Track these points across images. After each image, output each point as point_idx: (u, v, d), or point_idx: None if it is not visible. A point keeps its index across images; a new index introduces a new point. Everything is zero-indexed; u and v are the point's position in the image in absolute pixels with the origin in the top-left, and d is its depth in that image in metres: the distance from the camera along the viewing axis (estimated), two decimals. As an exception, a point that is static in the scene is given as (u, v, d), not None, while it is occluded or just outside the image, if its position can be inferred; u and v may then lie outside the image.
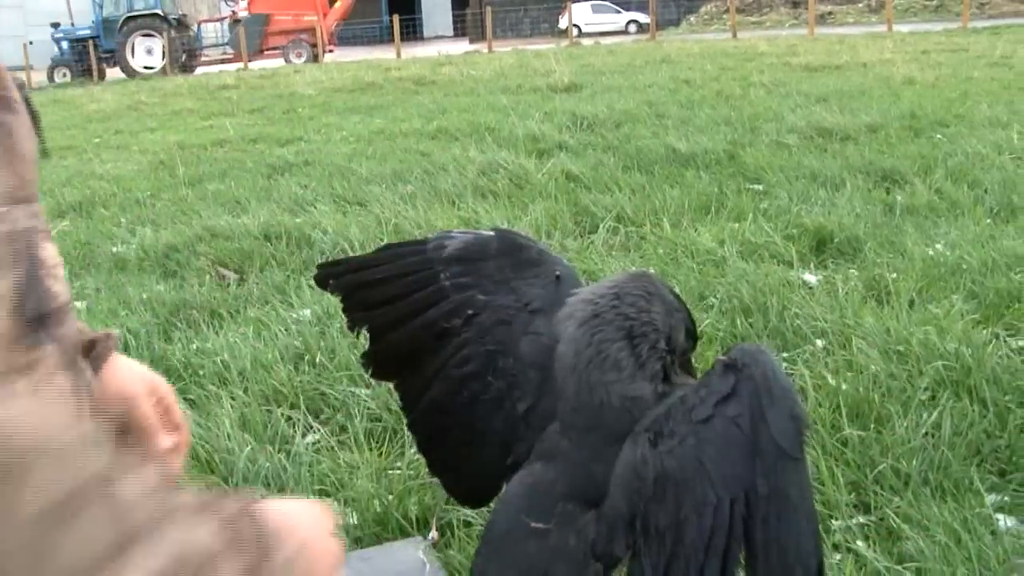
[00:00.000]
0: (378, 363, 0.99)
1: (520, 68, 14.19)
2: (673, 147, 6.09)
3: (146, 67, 24.75)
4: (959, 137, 6.23)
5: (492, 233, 0.97)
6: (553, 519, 0.79)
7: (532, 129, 7.12)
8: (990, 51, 12.62)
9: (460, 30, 36.71)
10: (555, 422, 0.84)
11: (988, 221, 4.26)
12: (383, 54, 22.73)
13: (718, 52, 15.45)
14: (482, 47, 25.01)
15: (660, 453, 0.73)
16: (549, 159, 5.98)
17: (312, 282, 3.65)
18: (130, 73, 24.54)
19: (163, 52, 24.62)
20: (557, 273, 0.92)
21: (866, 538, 1.99)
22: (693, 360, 0.88)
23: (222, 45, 28.53)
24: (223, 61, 26.66)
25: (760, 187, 5.11)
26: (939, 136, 6.36)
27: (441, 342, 0.93)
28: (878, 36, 17.55)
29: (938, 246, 3.84)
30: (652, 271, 0.83)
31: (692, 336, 0.87)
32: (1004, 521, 2.06)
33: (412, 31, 33.55)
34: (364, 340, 1.08)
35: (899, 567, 1.82)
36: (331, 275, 1.09)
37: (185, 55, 26.17)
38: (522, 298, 0.90)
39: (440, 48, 23.45)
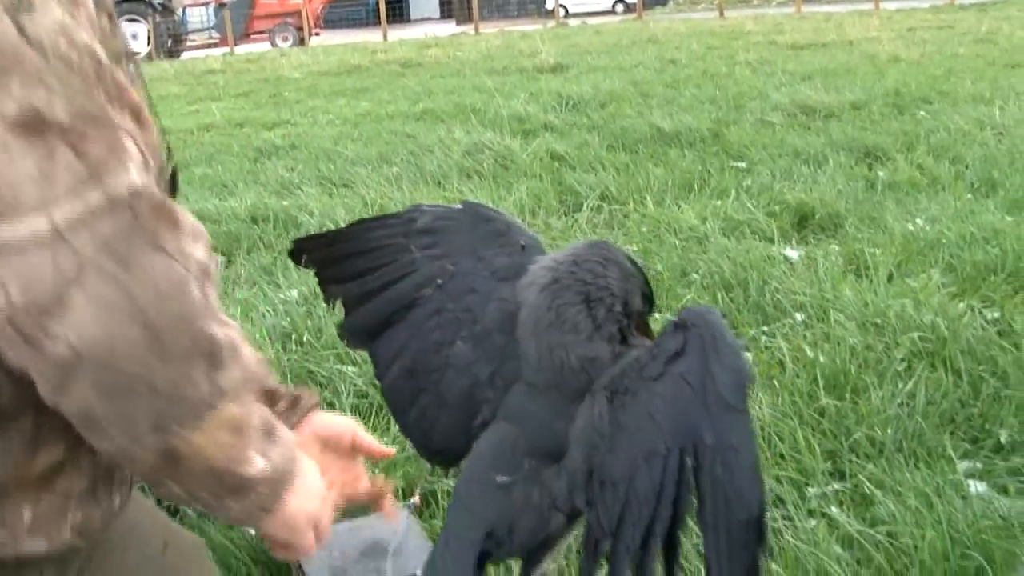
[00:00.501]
0: (352, 333, 1.02)
1: (506, 49, 14.18)
2: (657, 126, 6.13)
3: (132, 52, 24.66)
4: (942, 114, 6.28)
5: (460, 206, 1.01)
6: (518, 474, 0.83)
7: (517, 110, 7.14)
8: (976, 28, 12.66)
9: (447, 12, 36.55)
10: (519, 383, 0.88)
11: (969, 196, 4.31)
12: (370, 36, 22.66)
13: (705, 31, 15.45)
14: (469, 28, 24.94)
15: (615, 408, 0.77)
16: (534, 139, 6.01)
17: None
18: (115, 58, 24.42)
19: (148, 37, 24.49)
20: (522, 243, 0.96)
21: (840, 504, 2.04)
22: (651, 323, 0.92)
23: (208, 29, 28.38)
24: (209, 46, 26.54)
25: (743, 165, 5.15)
26: (922, 113, 6.41)
27: (412, 311, 0.97)
28: (865, 14, 17.56)
29: (918, 221, 3.89)
30: (610, 240, 0.86)
31: (649, 300, 0.92)
32: (975, 486, 2.11)
33: (399, 13, 33.39)
34: (340, 312, 1.12)
35: (871, 530, 1.87)
36: (305, 249, 1.13)
37: (171, 40, 26.02)
38: (489, 267, 0.94)
39: (427, 30, 23.38)
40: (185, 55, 24.41)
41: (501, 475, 0.84)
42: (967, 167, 4.86)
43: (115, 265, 0.76)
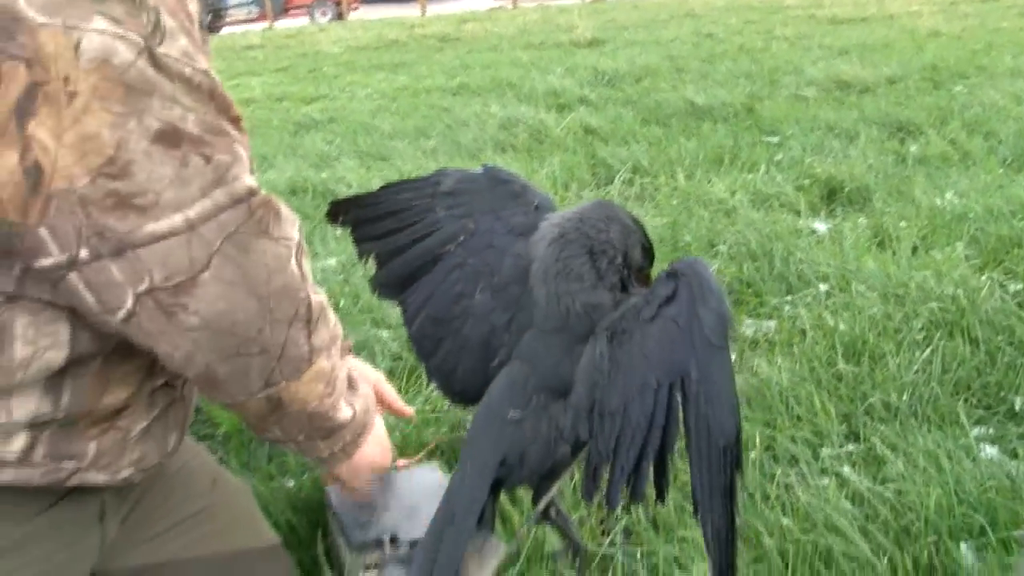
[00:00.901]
0: (383, 286, 1.13)
1: (544, 24, 14.19)
2: (691, 100, 6.17)
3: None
4: (978, 88, 6.25)
5: (481, 171, 1.11)
6: (528, 408, 0.93)
7: (553, 84, 7.20)
8: (1022, 0, 12.48)
9: (485, -14, 36.49)
10: (531, 329, 0.98)
11: (1000, 171, 4.33)
12: (407, 11, 22.69)
13: (743, 6, 15.34)
14: (506, 3, 24.87)
15: (614, 348, 0.87)
16: (568, 113, 6.08)
17: (337, 232, 3.80)
18: (156, 34, 24.62)
19: (189, 12, 24.65)
20: (535, 203, 1.06)
21: (852, 464, 2.11)
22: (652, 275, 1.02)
23: (247, 5, 28.53)
24: (248, 21, 26.70)
25: (775, 139, 5.18)
26: (959, 88, 6.38)
27: (436, 265, 1.07)
28: (907, -13, 17.34)
29: (947, 195, 3.92)
30: (640, 211, 0.92)
31: (648, 254, 1.01)
32: (986, 450, 2.18)
33: (437, -12, 33.40)
34: (372, 267, 1.22)
35: (880, 487, 1.95)
36: (341, 211, 1.23)
37: (210, 15, 26.18)
38: (506, 225, 1.04)
39: (464, 4, 23.39)
40: (224, 30, 24.59)
41: (514, 410, 0.94)
42: (1000, 142, 4.86)
43: (235, 250, 0.93)
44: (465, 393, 1.04)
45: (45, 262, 0.89)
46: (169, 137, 0.89)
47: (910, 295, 2.84)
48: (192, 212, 0.91)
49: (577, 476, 1.10)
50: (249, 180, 0.95)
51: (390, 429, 2.30)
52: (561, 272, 0.94)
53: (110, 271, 0.89)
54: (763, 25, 11.58)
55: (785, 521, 1.85)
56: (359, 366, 1.28)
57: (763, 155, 4.74)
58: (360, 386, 1.12)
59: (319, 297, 1.03)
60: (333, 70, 10.38)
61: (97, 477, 1.06)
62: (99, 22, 0.85)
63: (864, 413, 2.31)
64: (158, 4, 0.91)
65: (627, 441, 0.83)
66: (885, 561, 1.73)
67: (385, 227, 1.13)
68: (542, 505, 0.98)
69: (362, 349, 2.83)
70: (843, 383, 2.42)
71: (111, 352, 1.03)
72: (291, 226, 1.00)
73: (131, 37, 0.87)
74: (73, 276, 0.89)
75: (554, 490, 0.97)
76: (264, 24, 24.26)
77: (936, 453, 2.06)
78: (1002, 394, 2.41)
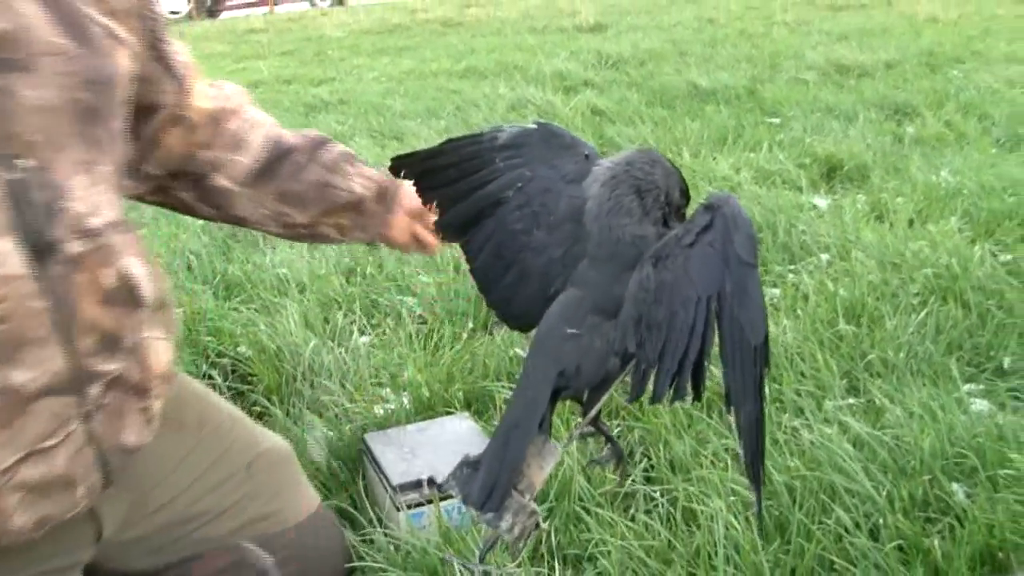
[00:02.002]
0: (447, 228, 1.28)
1: (546, 8, 14.29)
2: (695, 83, 6.32)
3: (172, 12, 24.86)
4: (974, 73, 6.41)
5: (535, 126, 1.26)
6: (583, 327, 1.09)
7: (559, 67, 7.34)
8: (1019, -13, 12.61)
9: (484, -29, 36.49)
10: (584, 260, 1.14)
11: (994, 151, 4.50)
12: (408, -4, 22.75)
13: (744, -9, 15.46)
14: (507, -12, 24.93)
15: (659, 271, 1.03)
16: (575, 95, 6.23)
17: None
18: (157, 18, 24.62)
19: (189, -4, 24.74)
20: (586, 153, 1.21)
21: (853, 415, 2.27)
22: (687, 214, 1.18)
23: (247, -12, 28.54)
24: (249, 5, 26.72)
25: (777, 120, 5.34)
26: (955, 72, 6.54)
27: (497, 208, 1.23)
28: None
29: (943, 173, 4.08)
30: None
31: (685, 194, 1.17)
32: (977, 403, 2.35)
33: (436, -27, 33.40)
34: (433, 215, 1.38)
35: (879, 432, 2.11)
36: (403, 165, 1.39)
37: (211, 0, 26.25)
38: (559, 172, 1.19)
39: (465, -11, 23.44)
40: (225, 15, 24.62)
41: (570, 328, 1.10)
42: (994, 123, 5.03)
43: None
44: (524, 318, 1.20)
45: None
46: None
47: (906, 263, 3.01)
48: None
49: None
50: None
51: (416, 386, 2.47)
52: (613, 208, 1.09)
53: None
54: (763, 11, 11.70)
55: (793, 462, 2.02)
56: (412, 196, 1.42)
57: (765, 135, 4.90)
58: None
59: None
60: (338, 53, 10.50)
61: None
62: None
63: (864, 369, 2.47)
64: None
65: (672, 348, 0.98)
66: (884, 496, 1.89)
67: (448, 177, 1.28)
68: (592, 413, 1.14)
69: (388, 314, 2.99)
70: (844, 342, 2.58)
71: None
72: None
73: None
74: None
75: (603, 400, 1.12)
76: (265, 8, 24.27)
77: (931, 405, 2.22)
78: (992, 353, 2.57)
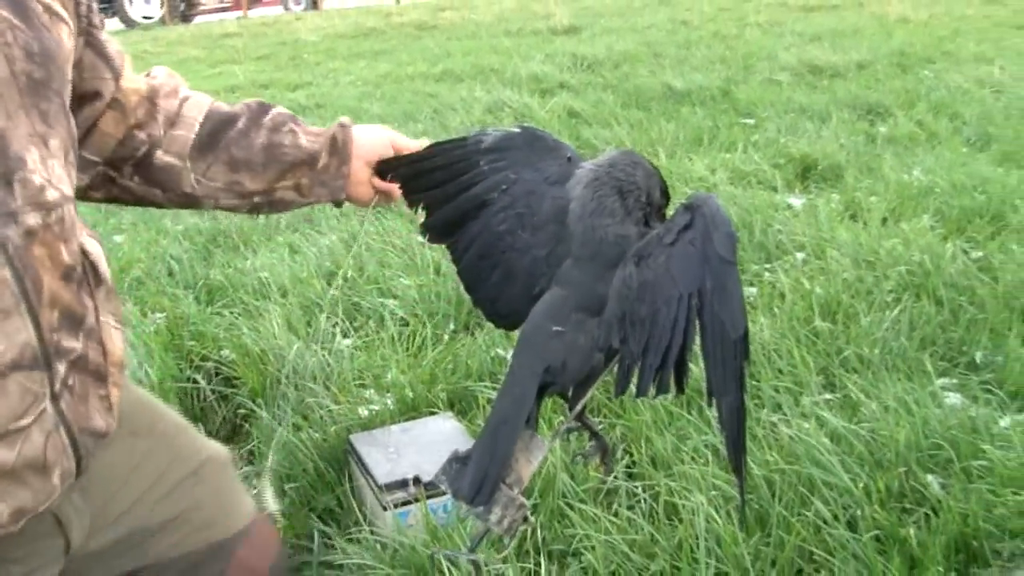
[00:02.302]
0: (433, 230, 1.31)
1: (520, 11, 14.33)
2: (670, 85, 6.38)
3: (145, 16, 24.71)
4: (944, 73, 6.51)
5: (518, 129, 1.29)
6: (568, 324, 1.13)
7: (534, 70, 7.38)
8: (987, -12, 12.78)
9: (458, -26, 36.52)
10: (569, 259, 1.17)
11: (964, 150, 4.57)
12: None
13: (717, -7, 15.57)
14: (481, -9, 24.97)
15: (642, 269, 1.06)
16: (552, 97, 6.27)
17: (337, 211, 3.96)
18: (129, 23, 24.48)
19: (161, 1, 24.61)
20: (568, 155, 1.25)
21: (830, 410, 2.32)
22: (667, 213, 1.22)
23: (220, -8, 28.43)
24: (222, 10, 26.61)
25: (751, 121, 5.41)
26: (926, 72, 6.63)
27: (482, 210, 1.25)
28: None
29: (915, 172, 4.15)
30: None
31: (665, 194, 1.21)
32: (951, 397, 2.40)
33: (410, -24, 33.40)
34: (419, 216, 1.40)
35: (855, 427, 2.16)
36: (389, 168, 1.42)
37: (184, 4, 26.12)
38: (543, 174, 1.22)
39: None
40: (198, 19, 24.52)
41: (555, 325, 1.13)
42: (965, 123, 5.12)
43: None
44: (509, 317, 1.22)
45: None
46: None
47: (880, 261, 3.06)
48: None
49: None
50: None
51: (400, 387, 2.50)
52: (596, 209, 1.13)
53: None
54: (736, 12, 11.79)
55: (772, 456, 2.06)
56: (368, 145, 1.45)
57: (740, 136, 4.96)
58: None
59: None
60: (314, 58, 10.49)
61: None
62: None
63: (840, 365, 2.52)
64: None
65: (655, 343, 1.02)
66: (861, 488, 1.94)
67: (434, 180, 1.31)
68: (578, 408, 1.17)
69: (370, 317, 3.01)
70: (820, 339, 2.63)
71: None
72: None
73: None
74: None
75: (588, 395, 1.16)
76: (238, 12, 24.18)
77: (906, 399, 2.28)
78: (964, 348, 2.63)
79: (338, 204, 1.52)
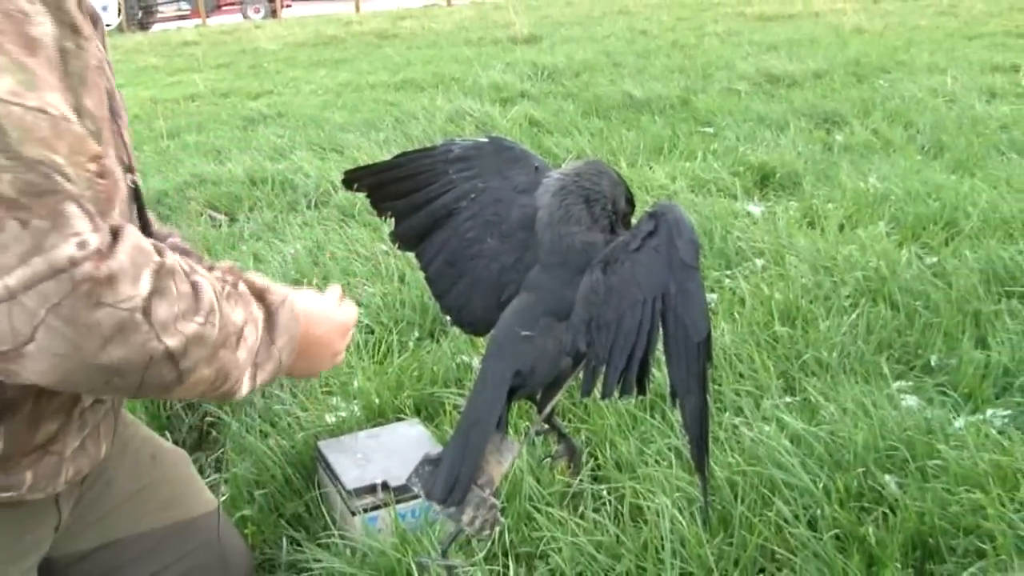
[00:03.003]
0: (402, 238, 1.33)
1: (480, 20, 14.40)
2: (630, 94, 6.44)
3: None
4: (899, 82, 6.63)
5: (486, 139, 1.33)
6: (537, 329, 1.16)
7: (495, 79, 7.42)
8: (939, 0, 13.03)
9: (418, -17, 36.50)
10: (537, 266, 1.20)
11: (919, 158, 4.67)
12: (341, 8, 22.72)
13: (675, 3, 15.72)
14: (441, 0, 25.04)
15: (608, 275, 1.09)
16: (512, 106, 6.31)
17: (301, 220, 3.97)
18: (86, 30, 24.20)
19: (119, 8, 24.38)
20: (536, 165, 1.28)
21: (790, 413, 2.36)
22: (632, 221, 1.25)
23: (178, 1, 28.24)
24: (180, 17, 26.43)
25: (711, 130, 5.48)
26: (880, 82, 6.76)
27: (451, 218, 1.28)
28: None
29: (871, 179, 4.23)
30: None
31: (631, 202, 1.24)
32: (907, 400, 2.45)
33: (370, -16, 33.36)
34: (387, 225, 1.43)
35: (815, 428, 2.20)
36: (356, 178, 1.44)
37: (141, 12, 25.90)
38: (511, 183, 1.25)
39: (399, 2, 23.48)
40: (156, 27, 24.32)
41: (523, 330, 1.16)
42: (919, 131, 5.22)
43: (61, 323, 0.85)
44: (477, 324, 1.25)
45: None
46: None
47: (838, 267, 3.12)
48: (11, 280, 0.84)
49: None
50: (69, 249, 0.86)
51: (367, 393, 2.51)
52: (563, 217, 1.16)
53: None
54: (695, 22, 11.93)
55: (734, 458, 2.10)
56: (313, 315, 1.20)
57: (700, 144, 5.02)
58: (271, 350, 1.08)
59: (184, 325, 0.93)
60: (274, 66, 10.47)
61: (35, 496, 1.12)
62: None
63: (799, 369, 2.57)
64: None
65: (620, 346, 1.05)
66: (821, 488, 1.98)
67: (402, 189, 1.33)
68: (546, 411, 1.20)
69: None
70: (780, 343, 2.68)
71: (40, 392, 1.04)
72: (132, 282, 0.89)
73: None
74: None
75: (557, 398, 1.19)
76: (197, 20, 24.02)
77: (863, 402, 2.32)
78: (920, 351, 2.69)
79: None
